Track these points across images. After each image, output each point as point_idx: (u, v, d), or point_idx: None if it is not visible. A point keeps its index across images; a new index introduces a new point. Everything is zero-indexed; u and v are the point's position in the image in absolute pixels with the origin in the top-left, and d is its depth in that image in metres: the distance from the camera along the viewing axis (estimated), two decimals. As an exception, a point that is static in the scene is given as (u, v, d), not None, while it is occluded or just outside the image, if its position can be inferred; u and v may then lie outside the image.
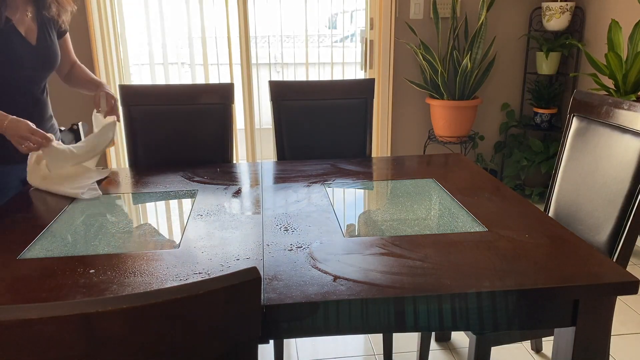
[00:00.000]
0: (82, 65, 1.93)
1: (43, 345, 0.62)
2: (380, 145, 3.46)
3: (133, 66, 3.52)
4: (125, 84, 2.40)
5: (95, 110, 1.81)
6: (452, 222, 1.37)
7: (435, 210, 1.46)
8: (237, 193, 1.62)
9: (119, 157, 3.37)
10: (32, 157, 1.61)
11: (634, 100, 2.08)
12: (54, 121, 1.84)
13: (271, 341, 1.91)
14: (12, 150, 1.57)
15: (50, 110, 1.82)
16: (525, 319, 1.11)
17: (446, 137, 3.30)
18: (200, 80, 3.60)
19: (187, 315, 0.67)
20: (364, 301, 1.02)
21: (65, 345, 0.63)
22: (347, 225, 1.37)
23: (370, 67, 3.39)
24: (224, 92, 2.07)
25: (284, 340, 2.05)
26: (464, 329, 1.11)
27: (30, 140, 1.54)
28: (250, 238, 1.29)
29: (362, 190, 1.66)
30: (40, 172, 1.63)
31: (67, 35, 1.85)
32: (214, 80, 3.58)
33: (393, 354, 2.04)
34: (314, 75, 3.75)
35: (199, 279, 0.89)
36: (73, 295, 1.03)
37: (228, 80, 3.37)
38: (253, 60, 3.37)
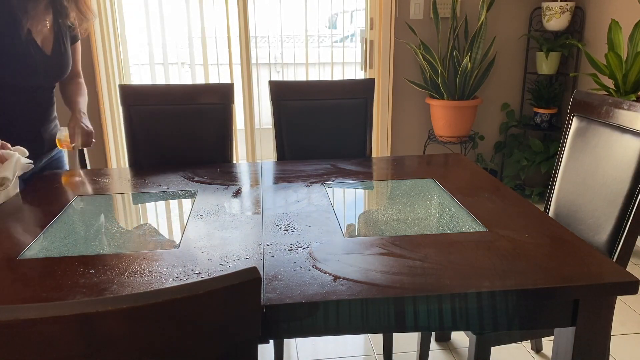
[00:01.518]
0: (81, 83, 1.91)
1: (43, 345, 0.62)
2: (380, 145, 3.46)
3: (133, 66, 3.52)
4: (125, 84, 2.40)
5: (65, 136, 1.75)
6: (452, 222, 1.37)
7: (435, 210, 1.46)
8: (237, 193, 1.62)
9: (119, 157, 3.37)
10: None
11: (634, 100, 2.08)
12: (57, 122, 1.87)
13: (271, 341, 1.91)
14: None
15: (55, 112, 1.85)
16: (525, 319, 1.11)
17: (446, 137, 3.30)
18: (200, 80, 3.60)
19: (187, 315, 0.66)
20: (364, 301, 1.02)
21: (65, 345, 0.63)
22: (347, 225, 1.37)
23: (370, 67, 3.39)
24: (224, 92, 2.07)
25: (284, 340, 2.05)
26: (464, 329, 1.11)
27: None
28: (250, 238, 1.29)
29: (362, 190, 1.66)
30: None
31: (79, 43, 1.86)
32: (214, 80, 3.58)
33: (393, 354, 2.04)
34: (314, 75, 3.75)
35: (199, 279, 0.89)
36: (73, 295, 1.03)
37: (228, 80, 3.37)
38: (253, 60, 3.37)
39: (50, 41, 1.70)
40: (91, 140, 1.79)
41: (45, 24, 1.67)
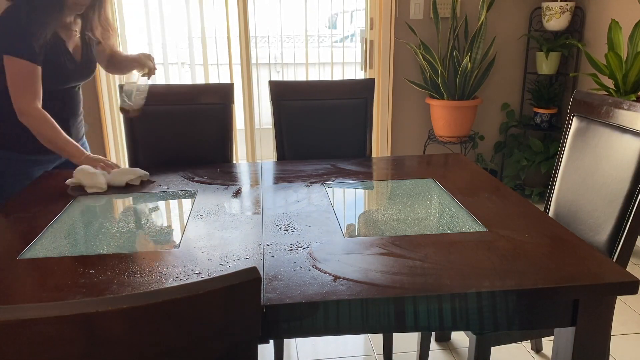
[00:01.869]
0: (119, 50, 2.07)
1: (43, 345, 0.62)
2: (380, 145, 3.46)
3: (133, 66, 3.51)
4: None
5: (138, 73, 1.94)
6: (452, 222, 1.37)
7: (435, 210, 1.46)
8: (237, 193, 1.62)
9: (119, 157, 3.37)
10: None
11: (634, 100, 2.08)
12: (82, 117, 1.99)
13: (271, 341, 1.91)
14: (18, 138, 1.76)
15: (81, 107, 1.97)
16: (525, 319, 1.11)
17: (446, 137, 3.30)
18: (200, 80, 3.60)
19: (187, 315, 0.67)
20: (364, 301, 1.02)
21: (65, 345, 0.63)
22: (347, 225, 1.37)
23: (370, 67, 3.39)
24: (224, 92, 2.07)
25: (284, 340, 2.05)
26: (464, 329, 1.11)
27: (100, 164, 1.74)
28: (250, 238, 1.29)
29: (362, 190, 1.66)
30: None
31: (102, 43, 1.97)
32: (214, 80, 3.57)
33: (393, 354, 2.04)
34: (314, 75, 3.75)
35: (199, 279, 0.89)
36: (73, 295, 1.03)
37: (228, 80, 3.37)
38: (253, 60, 3.37)
39: (79, 48, 1.85)
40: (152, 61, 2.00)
41: (76, 33, 1.82)
